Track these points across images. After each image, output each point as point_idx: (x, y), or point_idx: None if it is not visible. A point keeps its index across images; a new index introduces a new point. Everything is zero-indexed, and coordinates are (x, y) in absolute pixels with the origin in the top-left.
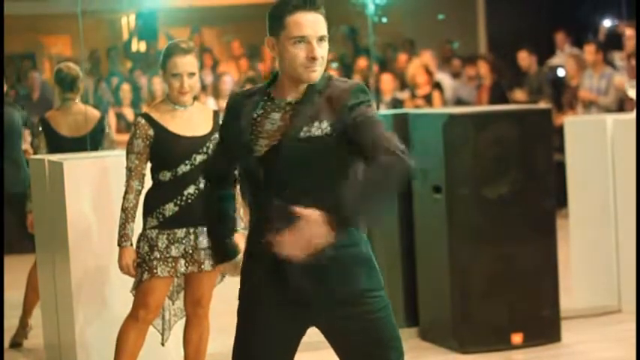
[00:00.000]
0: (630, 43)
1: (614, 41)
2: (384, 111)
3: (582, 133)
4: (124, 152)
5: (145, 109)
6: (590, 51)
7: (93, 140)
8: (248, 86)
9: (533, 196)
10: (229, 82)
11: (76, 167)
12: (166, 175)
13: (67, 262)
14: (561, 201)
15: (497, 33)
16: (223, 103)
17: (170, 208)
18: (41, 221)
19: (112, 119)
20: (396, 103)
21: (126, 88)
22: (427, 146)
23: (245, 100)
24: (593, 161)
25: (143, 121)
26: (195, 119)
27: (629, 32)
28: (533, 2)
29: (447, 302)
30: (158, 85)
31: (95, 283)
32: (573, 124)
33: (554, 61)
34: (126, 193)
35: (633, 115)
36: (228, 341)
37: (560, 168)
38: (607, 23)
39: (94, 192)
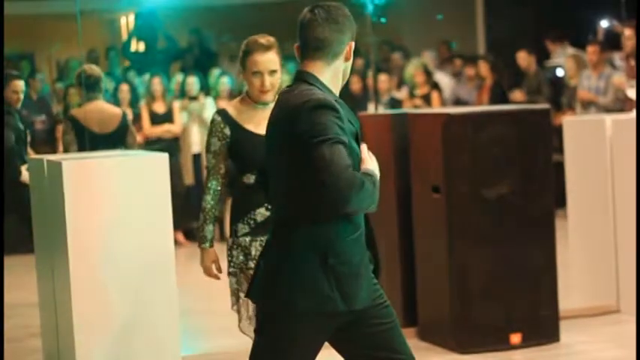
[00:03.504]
0: (629, 43)
1: (611, 41)
2: (382, 111)
3: (581, 133)
4: (123, 153)
5: (223, 105)
6: (592, 51)
7: (119, 137)
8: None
9: (532, 196)
10: (228, 82)
11: (75, 167)
12: (251, 178)
13: (65, 263)
14: (560, 201)
15: (496, 33)
16: (222, 104)
17: (261, 213)
18: (40, 221)
19: None
20: (394, 103)
21: (124, 88)
22: (426, 146)
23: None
24: (591, 161)
25: (219, 118)
26: None
27: (627, 32)
28: (532, 2)
29: (445, 302)
30: (158, 85)
31: (94, 284)
32: (572, 124)
33: (553, 61)
34: (204, 193)
35: (632, 115)
36: (226, 341)
37: (559, 168)
38: (604, 24)
39: (93, 192)
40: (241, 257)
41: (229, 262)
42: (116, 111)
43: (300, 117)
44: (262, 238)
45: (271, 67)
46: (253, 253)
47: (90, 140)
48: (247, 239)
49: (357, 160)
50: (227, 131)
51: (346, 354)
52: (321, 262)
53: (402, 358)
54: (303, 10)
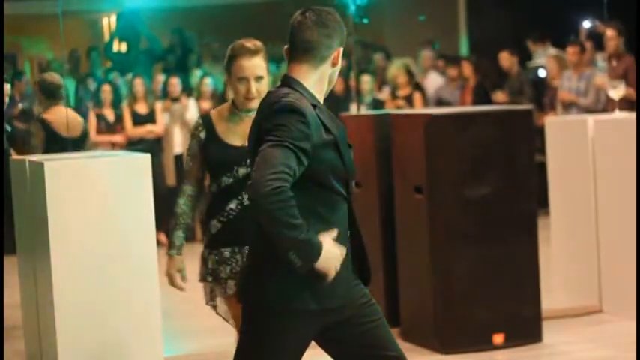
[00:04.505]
0: (611, 44)
1: (594, 42)
2: (364, 112)
3: (563, 133)
4: (105, 153)
5: (205, 106)
6: (572, 52)
7: (82, 142)
8: (229, 89)
9: (514, 196)
10: (210, 83)
11: (57, 168)
12: (213, 187)
13: (47, 264)
14: (542, 201)
15: (478, 34)
16: (205, 105)
17: (214, 225)
18: (22, 222)
19: (92, 120)
20: (377, 104)
21: (107, 88)
22: (408, 147)
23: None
24: (574, 161)
25: (200, 122)
26: None
27: (609, 33)
28: (514, 3)
29: (428, 303)
30: (140, 86)
31: (76, 285)
32: (554, 125)
33: (536, 62)
34: (177, 197)
35: (614, 115)
36: (209, 341)
37: (542, 168)
38: (586, 24)
39: (76, 193)
40: (203, 269)
41: (201, 269)
42: (78, 117)
43: (267, 117)
44: (216, 251)
45: (258, 72)
46: (209, 266)
47: (58, 144)
48: (206, 252)
49: (330, 167)
50: (202, 135)
51: (335, 354)
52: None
53: (392, 354)
54: (295, 13)
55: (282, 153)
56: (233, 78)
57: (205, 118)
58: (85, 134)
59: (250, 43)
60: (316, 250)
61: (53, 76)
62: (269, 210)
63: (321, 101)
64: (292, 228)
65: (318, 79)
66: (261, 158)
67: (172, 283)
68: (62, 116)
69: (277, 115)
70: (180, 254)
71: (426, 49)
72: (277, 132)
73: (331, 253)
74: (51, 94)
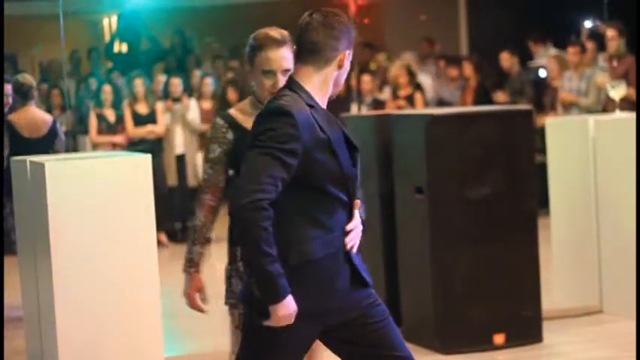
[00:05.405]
0: (612, 44)
1: (596, 42)
2: (365, 112)
3: (564, 133)
4: (106, 154)
5: (206, 106)
6: (573, 52)
7: (47, 142)
8: (230, 89)
9: (515, 196)
10: (211, 83)
11: (58, 168)
12: None
13: (48, 265)
14: (543, 201)
15: (478, 34)
16: (206, 105)
17: None
18: (22, 223)
19: (93, 121)
20: (377, 104)
21: (107, 89)
22: (409, 147)
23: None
24: (574, 162)
25: (221, 122)
26: None
27: (610, 33)
28: (515, 2)
29: (429, 303)
30: (140, 87)
31: (77, 285)
32: (555, 125)
33: (536, 62)
34: (197, 208)
35: (614, 115)
36: (209, 342)
37: (542, 168)
38: (588, 24)
39: (76, 193)
40: (240, 285)
41: (227, 290)
42: (46, 117)
43: (259, 120)
44: None
45: (285, 65)
46: None
47: (20, 144)
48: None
49: (324, 169)
50: (229, 135)
51: (343, 355)
52: (282, 263)
53: (399, 354)
54: (304, 14)
55: (267, 162)
56: (257, 70)
57: (228, 117)
58: (52, 134)
59: (276, 32)
60: (278, 294)
61: (25, 78)
62: (246, 222)
63: (324, 103)
64: (263, 254)
65: (322, 81)
66: (247, 167)
67: (192, 305)
68: (29, 117)
69: (266, 118)
70: (198, 272)
71: (405, 52)
72: (264, 136)
73: (289, 307)
74: (23, 95)
